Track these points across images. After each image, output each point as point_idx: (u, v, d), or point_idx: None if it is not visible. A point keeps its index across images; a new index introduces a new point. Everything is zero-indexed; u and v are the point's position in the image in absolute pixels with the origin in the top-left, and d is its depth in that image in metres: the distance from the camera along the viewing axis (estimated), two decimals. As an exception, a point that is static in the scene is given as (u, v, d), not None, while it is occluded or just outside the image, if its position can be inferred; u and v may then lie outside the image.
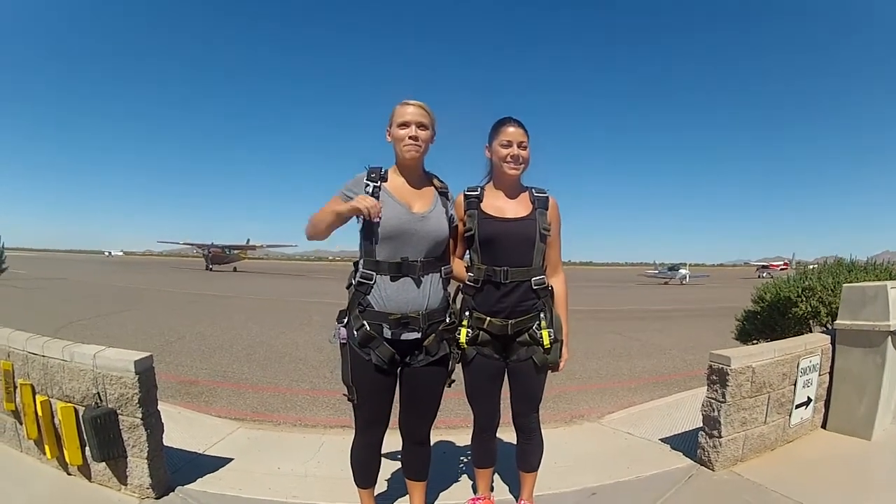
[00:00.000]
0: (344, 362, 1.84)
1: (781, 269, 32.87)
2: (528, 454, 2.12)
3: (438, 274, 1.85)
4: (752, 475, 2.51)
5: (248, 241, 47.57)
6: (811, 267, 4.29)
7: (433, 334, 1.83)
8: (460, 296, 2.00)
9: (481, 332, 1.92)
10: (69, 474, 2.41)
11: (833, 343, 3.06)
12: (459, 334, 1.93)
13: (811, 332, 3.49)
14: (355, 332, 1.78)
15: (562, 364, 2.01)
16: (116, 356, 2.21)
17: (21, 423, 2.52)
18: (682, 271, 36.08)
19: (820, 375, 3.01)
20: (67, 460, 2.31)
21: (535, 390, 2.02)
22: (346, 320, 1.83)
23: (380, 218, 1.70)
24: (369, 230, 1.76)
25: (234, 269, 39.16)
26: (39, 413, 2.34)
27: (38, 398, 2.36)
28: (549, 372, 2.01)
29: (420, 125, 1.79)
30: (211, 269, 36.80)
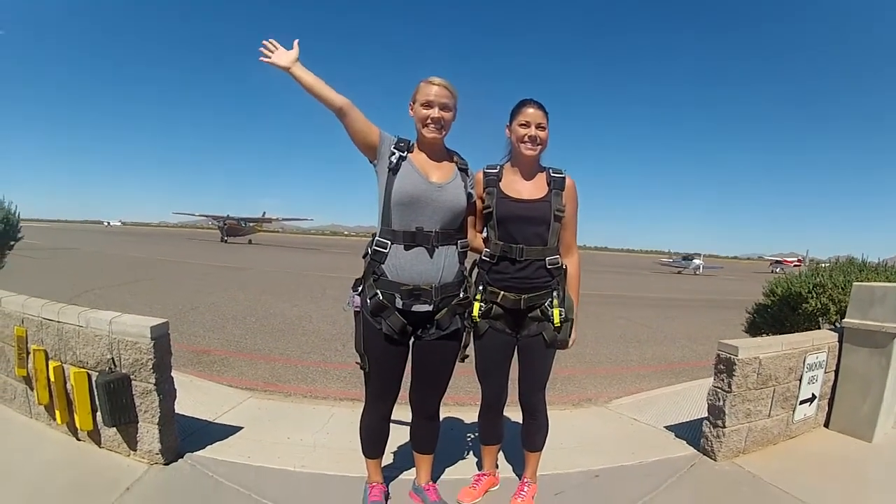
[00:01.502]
0: (357, 330, 1.87)
1: (795, 266, 32.58)
2: (532, 434, 2.14)
3: (454, 247, 1.86)
4: (752, 468, 2.53)
5: (265, 213, 47.35)
6: (824, 265, 4.28)
7: (445, 308, 1.85)
8: (476, 270, 2.02)
9: (494, 306, 1.95)
10: (79, 440, 2.44)
11: (840, 341, 3.05)
12: (473, 308, 1.95)
13: (820, 328, 3.48)
14: (368, 301, 1.81)
15: (571, 342, 2.03)
16: (132, 322, 2.24)
17: (32, 389, 2.55)
18: (696, 261, 35.50)
19: (826, 373, 3.00)
20: (78, 426, 2.33)
21: (542, 368, 2.04)
22: (360, 288, 1.85)
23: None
24: (387, 196, 1.78)
25: (250, 242, 38.96)
26: (52, 378, 2.37)
27: (51, 363, 2.39)
28: (558, 350, 2.03)
29: (443, 106, 1.81)
30: (226, 241, 36.63)
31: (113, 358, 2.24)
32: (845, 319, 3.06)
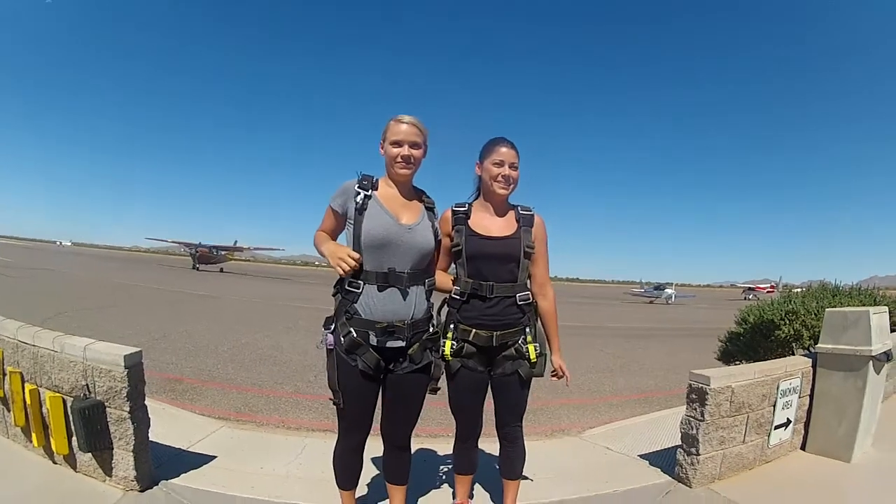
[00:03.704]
0: (330, 367, 1.88)
1: (768, 292, 32.71)
2: (512, 461, 2.15)
3: (423, 286, 1.89)
4: (729, 493, 2.55)
5: (236, 242, 47.38)
6: (797, 290, 4.34)
7: (417, 343, 1.88)
8: (445, 308, 2.04)
9: (466, 345, 1.96)
10: (55, 463, 2.43)
11: (814, 366, 3.10)
12: (444, 346, 1.97)
13: (793, 354, 3.53)
14: (342, 339, 1.82)
15: (568, 376, 2.10)
16: (106, 350, 2.24)
17: (9, 411, 2.54)
18: (668, 291, 35.58)
19: (800, 398, 3.05)
20: (54, 449, 2.33)
21: (520, 402, 2.06)
22: (332, 327, 1.86)
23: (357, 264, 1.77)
24: (357, 238, 1.80)
25: (221, 270, 39.13)
26: (28, 401, 2.37)
27: (27, 387, 2.38)
28: (557, 381, 2.10)
29: (413, 144, 1.83)
30: (198, 269, 36.72)
31: (87, 384, 2.23)
32: (819, 345, 3.11)
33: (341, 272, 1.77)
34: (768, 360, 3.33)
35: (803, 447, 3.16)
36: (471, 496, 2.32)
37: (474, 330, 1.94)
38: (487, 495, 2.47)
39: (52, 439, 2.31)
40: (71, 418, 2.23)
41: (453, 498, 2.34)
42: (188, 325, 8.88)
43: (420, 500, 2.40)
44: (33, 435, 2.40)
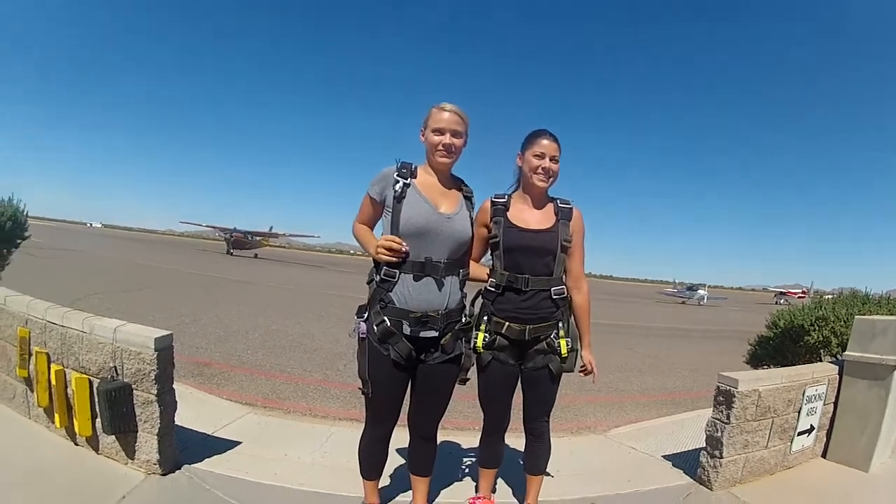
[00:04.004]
0: (361, 356, 1.87)
1: (799, 297, 32.16)
2: (537, 456, 2.14)
3: (458, 276, 1.88)
4: (748, 497, 2.53)
5: (272, 228, 47.27)
6: (828, 297, 4.28)
7: (450, 333, 1.87)
8: (479, 299, 2.03)
9: (499, 337, 1.95)
10: (76, 444, 2.44)
11: (840, 374, 3.06)
12: (476, 338, 1.95)
13: (821, 360, 3.48)
14: (375, 328, 1.81)
15: (596, 372, 2.09)
16: (137, 332, 2.25)
17: (32, 391, 2.55)
18: (701, 292, 34.95)
19: (825, 405, 3.01)
20: (77, 431, 2.33)
21: (549, 396, 2.05)
22: (366, 315, 1.85)
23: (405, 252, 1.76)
24: (395, 227, 1.79)
25: (255, 256, 39.06)
26: (53, 382, 2.38)
27: (53, 367, 2.39)
28: (584, 377, 2.10)
29: (454, 133, 1.82)
30: (232, 254, 36.72)
31: (115, 366, 2.24)
32: (846, 352, 3.06)
33: (387, 258, 1.74)
34: (796, 365, 3.29)
35: (824, 455, 3.12)
36: (493, 490, 2.31)
37: (508, 323, 1.93)
38: (510, 490, 2.45)
39: (75, 421, 2.32)
40: (97, 400, 2.24)
41: (476, 491, 2.33)
42: (220, 310, 8.91)
43: (443, 492, 2.39)
44: (56, 416, 2.42)
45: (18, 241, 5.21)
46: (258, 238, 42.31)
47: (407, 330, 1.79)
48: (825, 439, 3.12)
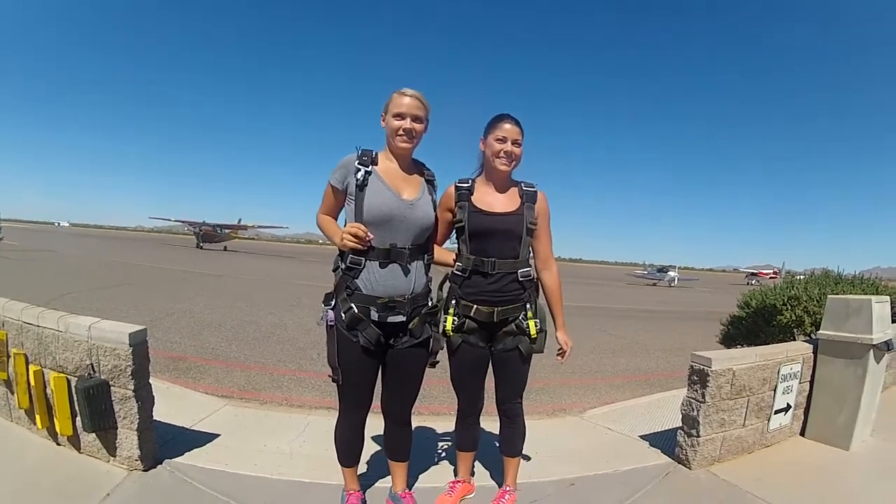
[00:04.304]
0: (330, 344, 1.89)
1: (771, 278, 32.54)
2: (512, 438, 2.17)
3: (422, 260, 1.90)
4: (727, 476, 2.57)
5: (240, 220, 47.08)
6: (799, 277, 4.34)
7: (417, 317, 1.90)
8: (447, 284, 2.05)
9: (468, 321, 1.97)
10: (59, 444, 2.44)
11: (815, 352, 3.11)
12: (445, 322, 1.98)
13: (795, 340, 3.54)
14: (343, 315, 1.83)
15: (567, 352, 2.10)
16: (111, 328, 2.25)
17: (12, 393, 2.55)
18: (671, 273, 35.56)
19: (800, 383, 3.05)
20: (58, 430, 2.34)
21: (520, 378, 2.08)
22: (333, 303, 1.87)
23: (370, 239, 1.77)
24: (359, 215, 1.80)
25: (225, 249, 39.11)
26: (32, 383, 2.37)
27: (32, 368, 2.39)
28: (559, 361, 2.12)
29: (415, 118, 1.83)
30: (201, 248, 36.76)
31: (92, 364, 2.24)
32: (820, 331, 3.11)
33: (353, 245, 1.75)
34: (770, 344, 3.34)
35: (802, 433, 3.17)
36: (472, 473, 2.35)
37: (476, 306, 1.96)
38: (488, 473, 2.49)
39: (55, 420, 2.32)
40: (75, 398, 2.24)
41: (454, 475, 2.36)
42: (192, 304, 8.89)
43: (421, 476, 2.41)
44: (37, 417, 2.41)
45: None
46: (227, 231, 42.26)
47: (375, 316, 1.82)
48: (803, 417, 3.17)
